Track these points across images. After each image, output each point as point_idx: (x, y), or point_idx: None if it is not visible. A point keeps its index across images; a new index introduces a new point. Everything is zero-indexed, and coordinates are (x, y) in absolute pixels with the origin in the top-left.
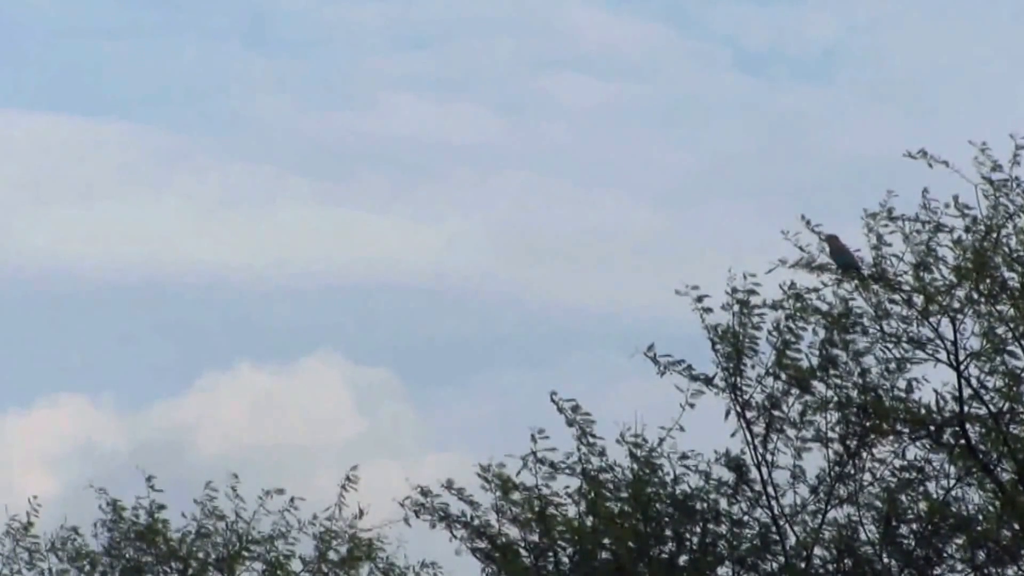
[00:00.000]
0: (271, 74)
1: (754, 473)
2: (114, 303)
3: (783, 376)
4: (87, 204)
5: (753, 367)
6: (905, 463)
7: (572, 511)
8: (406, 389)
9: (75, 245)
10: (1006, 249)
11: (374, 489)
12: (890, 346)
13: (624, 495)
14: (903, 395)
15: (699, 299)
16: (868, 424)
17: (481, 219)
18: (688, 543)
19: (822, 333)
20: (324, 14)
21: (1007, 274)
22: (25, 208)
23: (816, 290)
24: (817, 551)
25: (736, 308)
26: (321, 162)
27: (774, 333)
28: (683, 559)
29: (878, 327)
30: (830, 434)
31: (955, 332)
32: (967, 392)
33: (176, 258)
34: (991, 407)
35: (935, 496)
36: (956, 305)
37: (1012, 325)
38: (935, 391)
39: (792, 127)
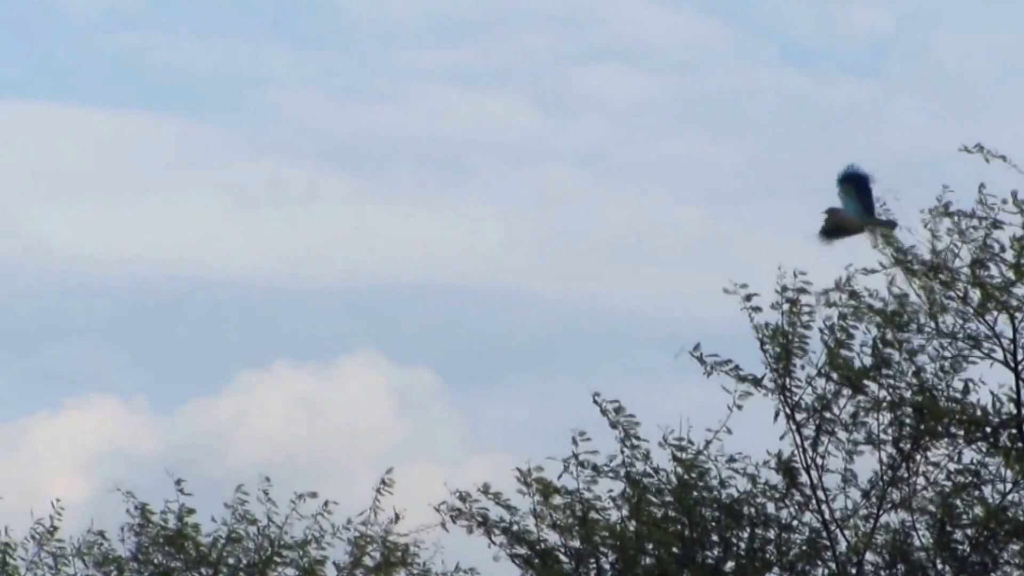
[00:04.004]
0: (306, 68)
1: (804, 477)
2: (147, 301)
3: (834, 376)
4: (119, 200)
5: (803, 367)
6: (960, 467)
7: (614, 516)
8: (447, 390)
9: (107, 242)
10: None
11: (413, 492)
12: (946, 343)
13: (669, 499)
14: (959, 396)
15: (747, 298)
16: (922, 426)
17: (521, 216)
18: (735, 549)
19: (875, 331)
20: (359, 7)
21: None
22: (55, 204)
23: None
24: (869, 557)
25: (786, 307)
26: (357, 158)
27: (826, 331)
28: (729, 565)
29: (933, 324)
30: (882, 436)
31: (1014, 331)
32: None
33: (209, 255)
34: None
35: (991, 501)
36: (1014, 303)
37: None
38: (992, 392)
39: (841, 122)
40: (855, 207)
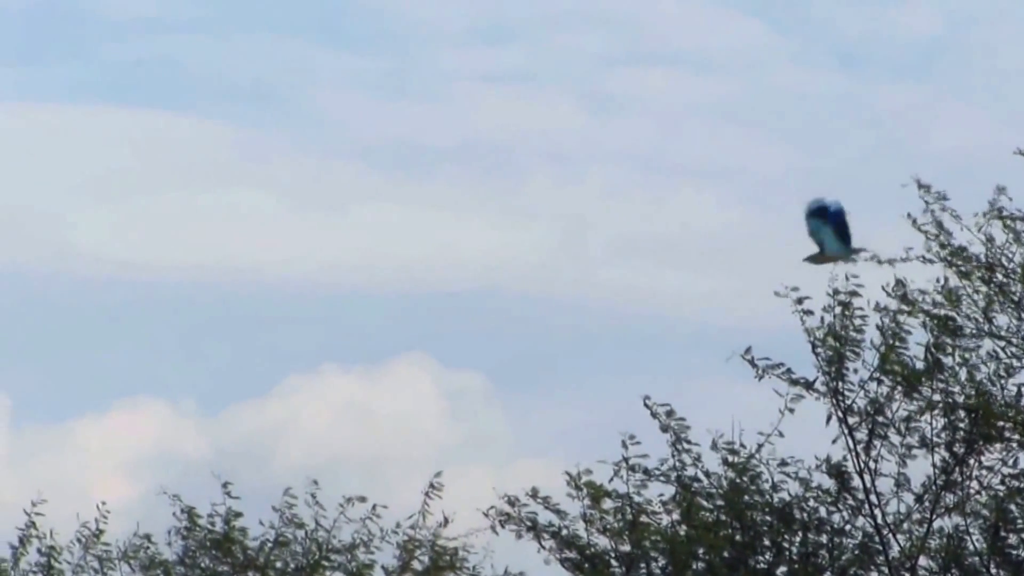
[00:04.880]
0: (352, 70)
1: (856, 481)
2: (194, 304)
3: (887, 379)
4: (165, 203)
5: (855, 371)
6: (1015, 471)
7: (665, 520)
8: (496, 393)
9: (155, 245)
10: None
11: (462, 496)
12: (1000, 346)
13: (720, 503)
14: (1013, 400)
15: (799, 301)
16: (976, 430)
17: (569, 219)
18: (787, 553)
19: (929, 335)
20: (404, 8)
21: None
22: (101, 206)
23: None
24: (922, 562)
25: (838, 310)
26: (403, 159)
27: (881, 328)
28: (781, 570)
29: (987, 327)
30: (936, 440)
31: None
32: None
33: (257, 258)
34: None
35: None
36: None
37: None
38: None
39: (891, 124)
40: (835, 243)
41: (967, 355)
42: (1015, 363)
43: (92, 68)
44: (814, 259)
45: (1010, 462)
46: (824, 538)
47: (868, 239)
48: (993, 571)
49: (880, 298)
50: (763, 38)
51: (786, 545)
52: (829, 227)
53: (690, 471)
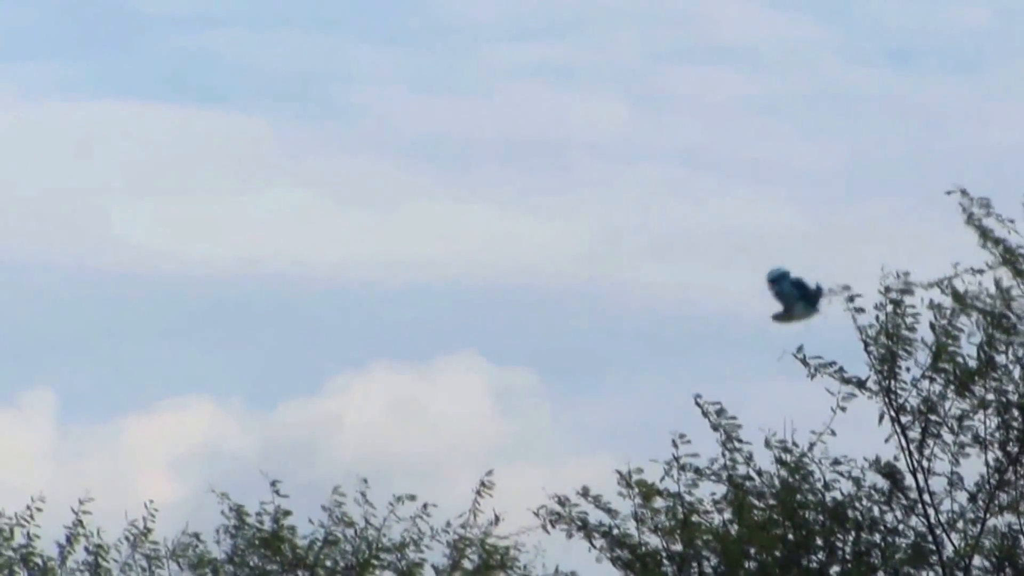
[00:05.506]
0: (395, 65)
1: (909, 479)
2: (242, 301)
3: (939, 378)
4: (212, 199)
5: (908, 369)
6: None
7: (717, 519)
8: (547, 390)
9: (201, 242)
10: None
11: (513, 495)
12: None
13: (772, 502)
14: None
15: (850, 299)
16: None
17: (616, 215)
18: (840, 553)
19: (981, 334)
20: (448, 3)
21: None
22: (147, 203)
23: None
24: (976, 561)
25: (890, 308)
26: (448, 155)
27: (933, 326)
28: (834, 570)
29: None
30: (989, 439)
31: None
32: None
33: (305, 254)
34: None
35: None
36: None
37: None
38: None
39: (943, 120)
40: (800, 305)
41: (1021, 353)
42: None
43: (133, 63)
44: (781, 318)
45: None
46: (877, 537)
47: (922, 238)
48: None
49: (933, 295)
50: (811, 33)
51: (839, 545)
52: (792, 292)
53: (741, 470)
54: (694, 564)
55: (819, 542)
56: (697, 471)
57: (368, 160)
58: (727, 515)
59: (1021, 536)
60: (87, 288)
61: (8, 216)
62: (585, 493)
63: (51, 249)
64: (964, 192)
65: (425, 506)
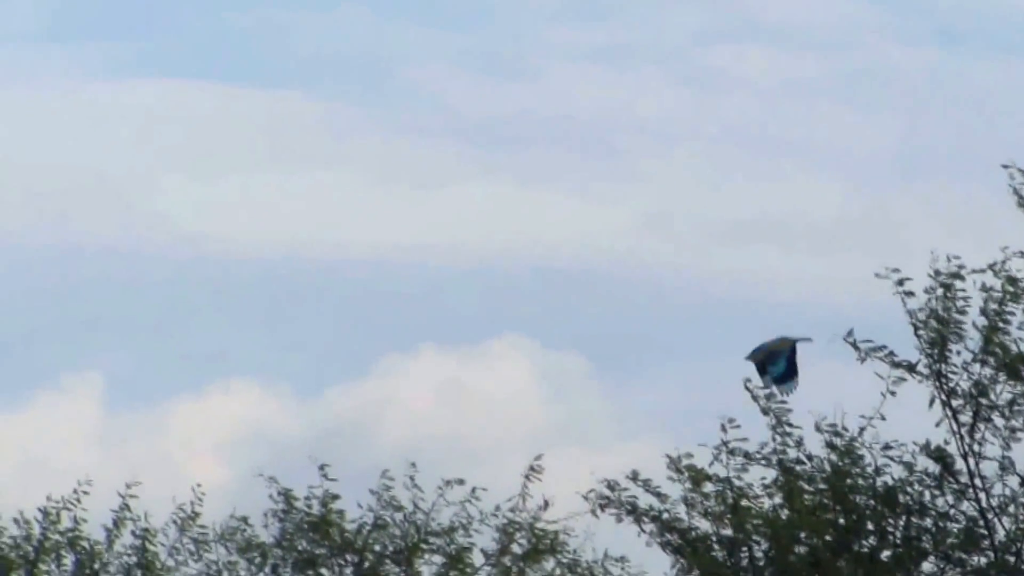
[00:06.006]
0: (446, 47)
1: (960, 464)
2: (291, 284)
3: (991, 362)
4: (262, 180)
5: (959, 353)
6: None
7: (767, 504)
8: (596, 375)
9: (250, 224)
10: None
11: (562, 479)
12: None
13: (822, 487)
14: None
15: (900, 282)
16: None
17: (666, 197)
18: (890, 537)
19: None
20: None
21: None
22: (196, 184)
23: None
24: None
25: (940, 291)
26: (499, 137)
27: (984, 310)
28: (885, 554)
29: None
30: None
31: None
32: None
33: (354, 237)
34: None
35: None
36: None
37: None
38: None
39: (993, 101)
40: (785, 382)
41: None
42: None
43: (181, 43)
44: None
45: None
46: (928, 522)
47: (973, 221)
48: None
49: (984, 279)
50: (861, 13)
51: (889, 529)
52: (777, 372)
53: (792, 454)
54: (744, 548)
55: (870, 527)
56: (747, 456)
57: (418, 142)
58: (777, 500)
59: None
60: (135, 271)
61: (55, 198)
62: (635, 477)
63: (98, 231)
64: (1019, 170)
65: (474, 490)
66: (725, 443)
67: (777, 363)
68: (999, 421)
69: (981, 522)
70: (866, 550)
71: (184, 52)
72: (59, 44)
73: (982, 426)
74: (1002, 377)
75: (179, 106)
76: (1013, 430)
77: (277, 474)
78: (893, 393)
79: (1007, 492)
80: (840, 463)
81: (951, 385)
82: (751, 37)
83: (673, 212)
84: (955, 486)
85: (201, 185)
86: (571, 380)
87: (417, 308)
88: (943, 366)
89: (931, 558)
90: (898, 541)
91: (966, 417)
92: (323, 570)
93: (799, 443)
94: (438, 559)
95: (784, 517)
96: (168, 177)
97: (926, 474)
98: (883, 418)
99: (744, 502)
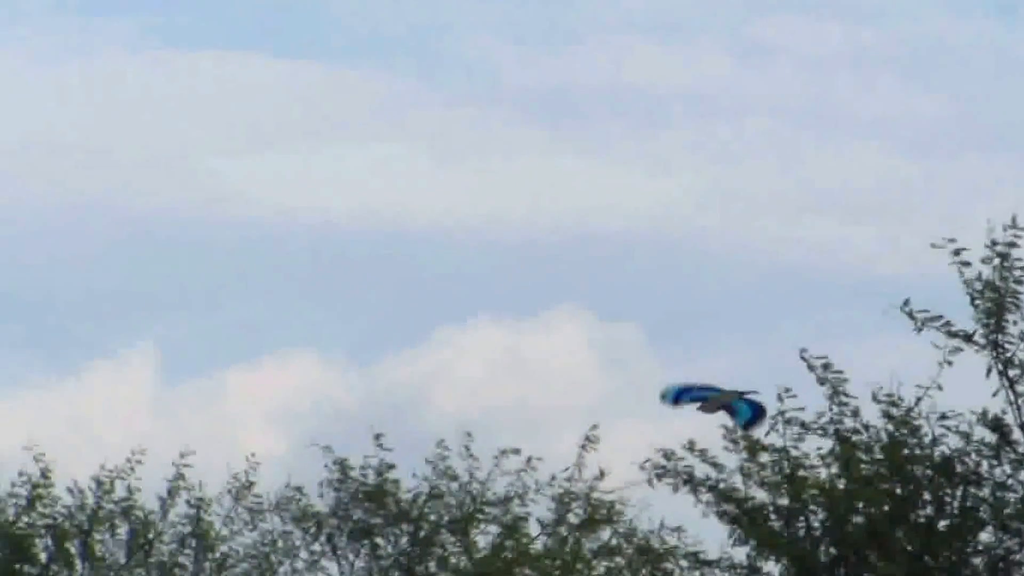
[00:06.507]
0: (501, 19)
1: (1017, 434)
2: (347, 254)
3: None
4: (318, 152)
5: (1015, 323)
6: None
7: (824, 473)
8: (652, 345)
9: (308, 195)
10: None
11: (618, 449)
12: None
13: (879, 456)
14: None
15: (956, 252)
16: None
17: (720, 167)
18: (948, 507)
19: None
20: None
21: None
22: (254, 155)
23: None
24: None
25: (997, 261)
26: (552, 109)
27: None
28: (942, 524)
29: None
30: None
31: None
32: None
33: (409, 208)
34: None
35: None
36: None
37: None
38: None
39: None
40: (755, 423)
41: None
42: None
43: (239, 15)
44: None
45: None
46: (985, 492)
47: None
48: None
49: None
50: None
51: (947, 499)
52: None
53: (848, 424)
54: (801, 518)
55: (927, 497)
56: (803, 425)
57: (473, 113)
58: (834, 470)
59: None
60: (192, 241)
61: (113, 169)
62: (691, 447)
63: (156, 203)
64: None
65: (529, 460)
66: (781, 413)
67: (739, 412)
68: None
69: None
70: (923, 520)
71: (241, 26)
72: (117, 17)
73: None
74: None
75: (238, 79)
76: None
77: (332, 443)
78: (950, 363)
79: None
80: (897, 433)
81: (1008, 355)
82: (804, 8)
83: (729, 183)
84: (1012, 456)
85: (258, 157)
86: (626, 350)
87: (473, 279)
88: (1000, 336)
89: (988, 528)
90: (955, 511)
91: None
92: (378, 539)
93: (856, 413)
94: (494, 528)
95: (841, 487)
96: (225, 149)
97: (983, 444)
98: (940, 388)
99: (801, 472)
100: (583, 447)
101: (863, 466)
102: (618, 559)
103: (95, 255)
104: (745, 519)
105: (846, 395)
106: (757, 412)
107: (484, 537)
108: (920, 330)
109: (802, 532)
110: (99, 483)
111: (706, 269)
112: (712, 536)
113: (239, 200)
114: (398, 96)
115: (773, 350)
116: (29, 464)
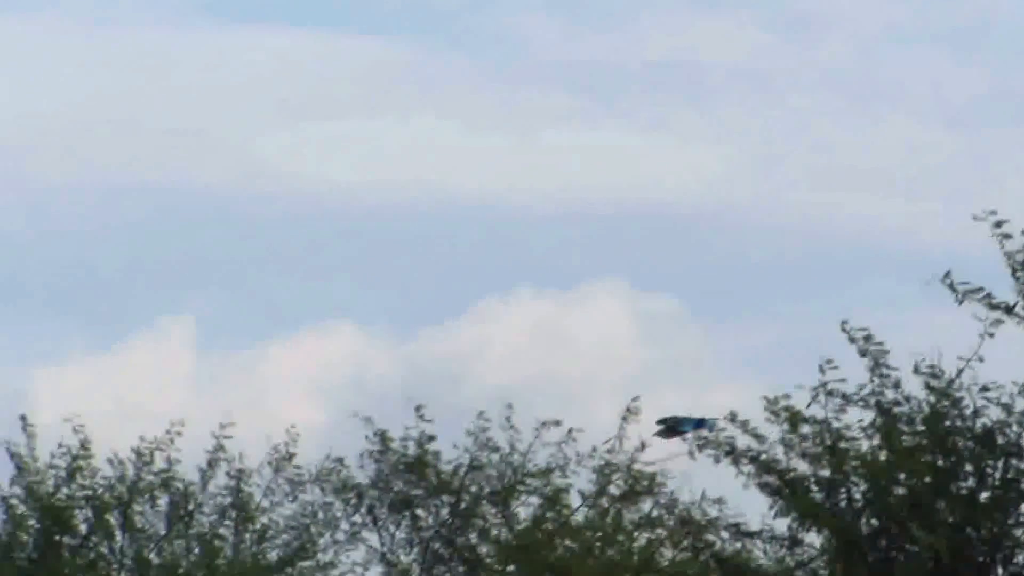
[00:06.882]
0: None
1: None
2: (385, 227)
3: None
4: (358, 125)
5: None
6: None
7: (865, 445)
8: (692, 317)
9: (348, 167)
10: None
11: (659, 421)
12: None
13: (921, 428)
14: None
15: (997, 224)
16: None
17: (762, 140)
18: (989, 479)
19: None
20: None
21: None
22: (294, 128)
23: None
24: None
25: None
26: (592, 82)
27: None
28: (984, 495)
29: None
30: None
31: None
32: None
33: (449, 180)
34: None
35: None
36: None
37: None
38: None
39: None
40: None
41: None
42: None
43: None
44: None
45: None
46: None
47: None
48: None
49: None
50: None
51: (989, 471)
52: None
53: (889, 396)
54: (843, 490)
55: (969, 468)
56: (844, 397)
57: (511, 86)
58: (875, 441)
59: None
60: (229, 214)
61: (153, 141)
62: (732, 418)
63: (196, 174)
64: None
65: (570, 431)
66: (823, 384)
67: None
68: None
69: None
70: (965, 492)
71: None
72: None
73: None
74: None
75: (275, 53)
76: None
77: (372, 415)
78: (991, 335)
79: None
80: (938, 405)
81: None
82: None
83: (769, 155)
84: None
85: (297, 130)
86: (666, 322)
87: (513, 251)
88: None
89: None
90: (997, 483)
91: None
92: (419, 511)
93: (897, 385)
94: (535, 500)
95: (883, 459)
96: (266, 121)
97: None
98: (981, 360)
99: (842, 444)
100: (624, 418)
101: (904, 438)
102: (659, 531)
103: (135, 228)
104: (786, 490)
105: (887, 367)
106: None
107: (525, 509)
108: (961, 302)
109: (844, 503)
110: (139, 454)
111: (746, 241)
112: (753, 508)
113: (278, 172)
114: (436, 69)
115: (813, 322)
116: (69, 436)
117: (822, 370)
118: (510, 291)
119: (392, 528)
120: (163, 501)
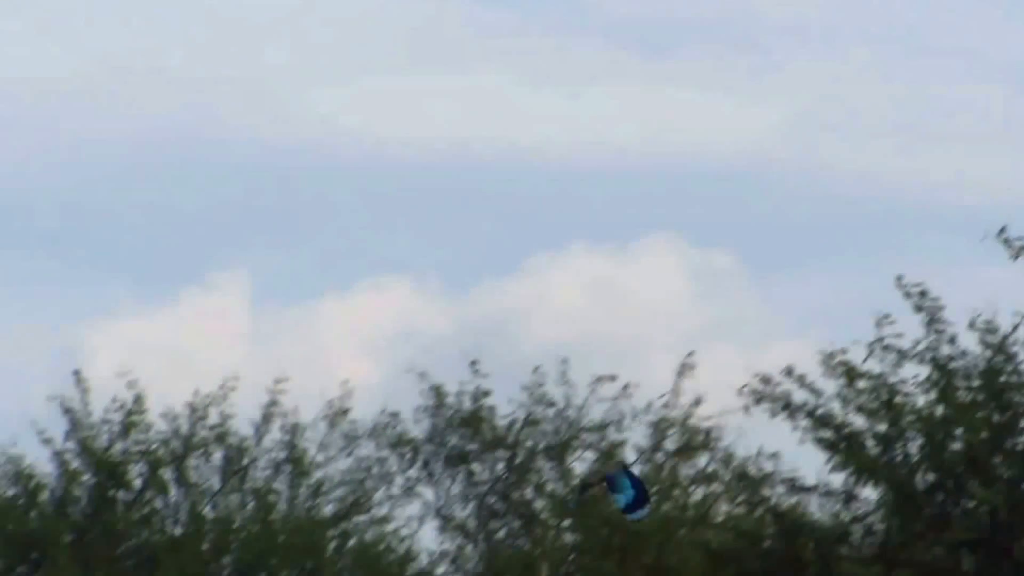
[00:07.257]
0: None
1: None
2: (441, 181)
3: None
4: (411, 80)
5: None
6: None
7: (921, 400)
8: (747, 272)
9: (399, 124)
10: None
11: (714, 376)
12: None
13: (977, 384)
14: None
15: None
16: None
17: (818, 96)
18: None
19: None
20: None
21: None
22: (351, 84)
23: None
24: None
25: None
26: (645, 36)
27: None
28: None
29: None
30: None
31: None
32: None
33: (504, 135)
34: None
35: None
36: None
37: None
38: None
39: None
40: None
41: None
42: None
43: None
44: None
45: None
46: None
47: None
48: None
49: None
50: None
51: None
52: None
53: (945, 351)
54: (899, 445)
55: None
56: (900, 352)
57: (570, 43)
58: (932, 396)
59: None
60: (284, 169)
61: (209, 97)
62: (789, 372)
63: (250, 128)
64: None
65: (626, 387)
66: (879, 339)
67: (622, 490)
68: None
69: None
70: (1021, 447)
71: None
72: None
73: None
74: None
75: (334, 8)
76: None
77: (428, 370)
78: None
79: None
80: (994, 360)
81: None
82: None
83: (826, 112)
84: None
85: (354, 86)
86: (722, 278)
87: (568, 207)
88: None
89: None
90: None
91: None
92: (474, 465)
93: (952, 340)
94: (590, 455)
95: (939, 414)
96: (321, 76)
97: None
98: None
99: (898, 399)
100: (679, 374)
101: (960, 393)
102: (715, 485)
103: (190, 184)
104: (843, 445)
105: (943, 322)
106: (639, 496)
107: (580, 463)
108: (1016, 257)
109: (900, 459)
110: (193, 409)
111: (803, 197)
112: (809, 462)
113: (334, 128)
114: (495, 25)
115: (869, 278)
116: (123, 391)
117: (878, 325)
118: (564, 247)
119: (447, 483)
120: (217, 456)
